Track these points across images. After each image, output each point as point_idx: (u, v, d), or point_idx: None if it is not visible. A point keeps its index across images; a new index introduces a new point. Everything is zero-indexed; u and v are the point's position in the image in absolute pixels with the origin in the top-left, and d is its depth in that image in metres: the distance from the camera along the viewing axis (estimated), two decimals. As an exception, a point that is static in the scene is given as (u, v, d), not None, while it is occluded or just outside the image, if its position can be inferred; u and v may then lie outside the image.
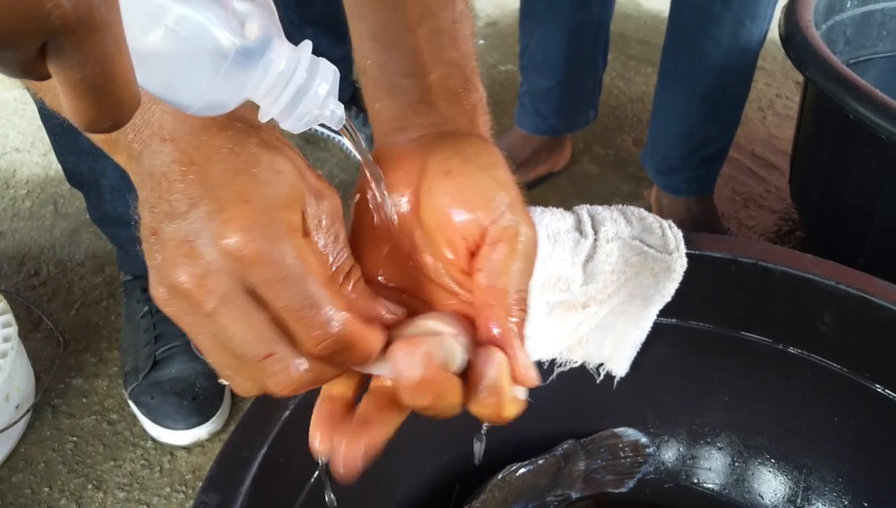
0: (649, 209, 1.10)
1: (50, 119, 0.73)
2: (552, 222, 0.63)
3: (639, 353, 0.65)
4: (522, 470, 0.66)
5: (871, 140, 0.78)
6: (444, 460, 0.67)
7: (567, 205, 1.22)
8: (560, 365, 0.66)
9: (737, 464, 0.69)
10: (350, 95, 1.18)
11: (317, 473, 0.53)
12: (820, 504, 0.66)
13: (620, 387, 0.66)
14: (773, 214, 1.15)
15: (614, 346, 0.65)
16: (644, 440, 0.71)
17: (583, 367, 0.66)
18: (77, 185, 0.81)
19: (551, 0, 1.00)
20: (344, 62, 1.12)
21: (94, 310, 0.96)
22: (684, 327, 0.66)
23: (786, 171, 1.08)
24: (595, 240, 0.63)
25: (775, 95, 1.44)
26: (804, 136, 0.98)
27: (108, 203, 0.80)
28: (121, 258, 0.89)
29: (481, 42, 1.60)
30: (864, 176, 0.83)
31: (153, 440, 0.81)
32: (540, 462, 0.67)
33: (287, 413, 0.49)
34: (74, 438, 0.81)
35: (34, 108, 1.35)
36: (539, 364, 0.65)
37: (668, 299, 0.63)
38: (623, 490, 0.71)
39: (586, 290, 0.62)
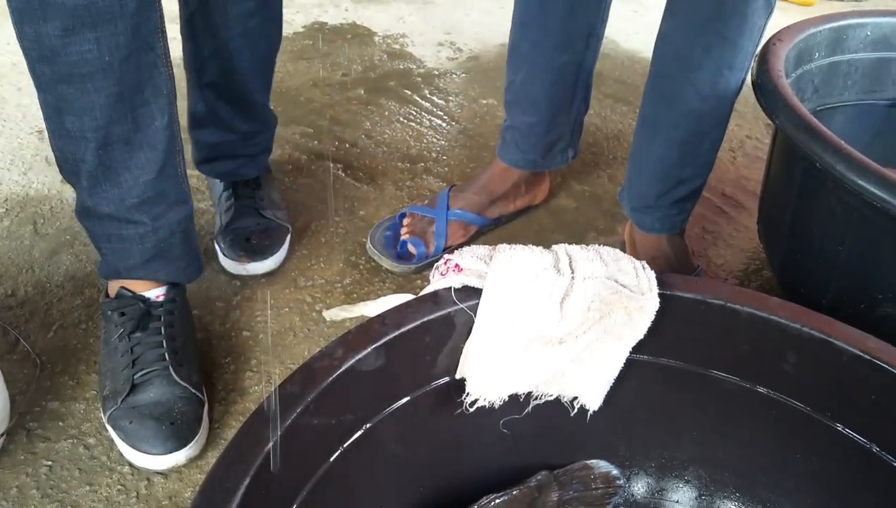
0: (623, 245, 1.14)
1: (45, 89, 0.74)
2: (531, 260, 0.65)
3: (611, 388, 0.67)
4: (497, 501, 0.68)
5: (836, 187, 0.82)
6: (422, 491, 0.68)
7: (544, 237, 1.26)
8: (536, 398, 0.68)
9: (703, 497, 0.72)
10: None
11: (300, 500, 0.55)
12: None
13: (593, 420, 0.68)
14: (742, 253, 1.19)
15: (588, 381, 0.67)
16: (615, 472, 0.73)
17: (557, 401, 0.68)
18: (66, 175, 0.82)
19: (537, 39, 1.03)
20: (254, 139, 1.09)
21: (73, 333, 0.96)
22: (656, 363, 0.68)
23: (754, 212, 1.12)
24: (572, 278, 0.65)
25: (746, 136, 1.49)
26: (772, 179, 1.01)
27: (85, 190, 0.81)
28: (100, 264, 0.89)
29: (463, 75, 1.64)
30: (828, 221, 0.87)
31: (130, 465, 0.81)
32: (514, 492, 0.69)
33: (270, 444, 0.50)
34: (49, 462, 0.81)
35: (13, 126, 1.35)
36: (516, 397, 0.67)
37: (641, 337, 0.65)
38: (595, 521, 0.73)
39: (563, 326, 0.65)
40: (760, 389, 0.66)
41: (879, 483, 0.61)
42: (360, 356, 0.58)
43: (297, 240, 1.12)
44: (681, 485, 0.73)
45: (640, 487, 0.74)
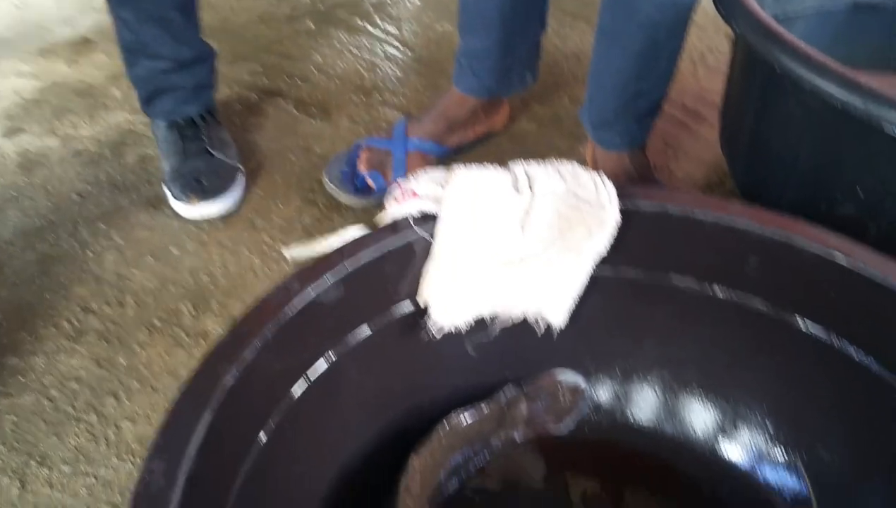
0: (585, 165, 1.13)
1: None
2: (489, 180, 0.64)
3: (576, 303, 0.67)
4: (466, 416, 0.68)
5: (795, 90, 0.81)
6: (390, 417, 0.69)
7: (506, 163, 1.24)
8: (502, 320, 0.68)
9: (668, 400, 0.74)
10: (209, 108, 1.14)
11: (263, 435, 0.54)
12: (745, 430, 0.71)
13: (559, 336, 0.69)
14: (704, 165, 1.19)
15: (553, 299, 0.68)
16: (581, 382, 0.74)
17: (524, 320, 0.68)
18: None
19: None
20: (188, 69, 1.07)
21: (27, 289, 0.94)
22: (618, 277, 0.69)
23: (715, 123, 1.12)
24: (531, 196, 0.65)
25: (707, 49, 1.48)
26: (733, 88, 1.01)
27: None
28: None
29: (416, 1, 1.59)
30: (788, 125, 0.87)
31: (96, 412, 0.81)
32: (483, 408, 0.70)
33: (230, 378, 0.50)
34: (14, 417, 0.80)
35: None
36: (481, 319, 0.67)
37: (603, 251, 0.65)
38: (563, 430, 0.74)
39: (523, 245, 0.64)
40: (722, 292, 0.67)
41: (838, 373, 0.62)
42: (318, 288, 0.57)
43: (252, 181, 1.10)
44: (645, 388, 0.74)
45: (604, 393, 0.75)
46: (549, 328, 0.69)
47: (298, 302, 0.55)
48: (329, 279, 0.57)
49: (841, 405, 0.64)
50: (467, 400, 0.70)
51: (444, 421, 0.67)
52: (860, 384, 0.61)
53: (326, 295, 0.57)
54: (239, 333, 0.52)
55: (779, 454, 0.69)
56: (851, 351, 0.62)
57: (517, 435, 0.74)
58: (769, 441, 0.70)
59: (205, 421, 0.47)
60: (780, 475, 0.69)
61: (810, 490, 0.66)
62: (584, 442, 0.75)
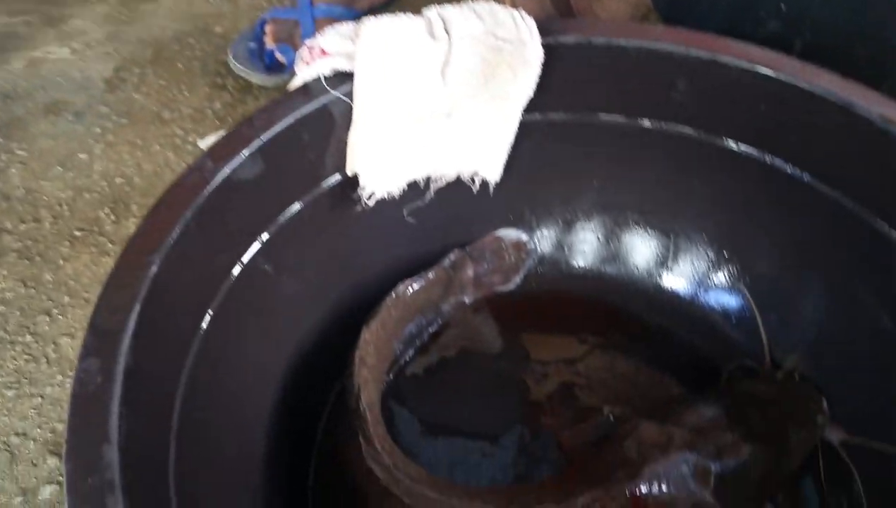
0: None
1: None
2: (402, 28, 0.61)
3: (509, 155, 0.66)
4: (413, 286, 0.68)
5: None
6: (333, 296, 0.68)
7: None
8: (436, 181, 0.66)
9: (610, 242, 0.75)
10: None
11: (205, 323, 0.53)
12: (687, 260, 0.73)
13: (497, 192, 0.68)
14: (627, 4, 1.16)
15: (485, 153, 0.66)
16: (524, 237, 0.75)
17: (458, 180, 0.67)
18: None
19: None
20: None
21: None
22: (547, 120, 0.67)
23: (635, -43, 1.08)
24: (449, 41, 0.62)
25: None
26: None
27: None
28: None
29: None
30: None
31: (32, 333, 0.78)
32: (429, 275, 0.69)
33: (154, 267, 0.47)
34: (-57, 351, 0.77)
35: None
36: (415, 184, 0.65)
37: (531, 93, 0.64)
38: (511, 287, 0.75)
39: (448, 97, 0.62)
40: (651, 123, 0.66)
41: (773, 190, 0.63)
42: (233, 165, 0.54)
43: (152, 71, 1.03)
44: (587, 234, 0.75)
45: (548, 245, 0.76)
46: (485, 185, 0.68)
47: (215, 182, 0.52)
48: (244, 153, 0.54)
49: (779, 221, 0.65)
50: (413, 269, 0.70)
51: (392, 292, 0.67)
52: (795, 198, 0.63)
53: (244, 172, 0.54)
54: (156, 220, 0.50)
55: (721, 278, 0.71)
56: (784, 166, 0.63)
57: (467, 298, 0.74)
58: (711, 267, 0.72)
59: (135, 312, 0.45)
60: (723, 298, 0.71)
61: (753, 307, 0.68)
62: (533, 296, 0.76)
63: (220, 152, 0.54)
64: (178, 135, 0.96)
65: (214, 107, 0.99)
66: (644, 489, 0.55)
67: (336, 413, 0.66)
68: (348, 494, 0.61)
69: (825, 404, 0.62)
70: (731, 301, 0.71)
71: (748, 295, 0.68)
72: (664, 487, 0.55)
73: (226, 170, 0.53)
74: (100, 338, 0.44)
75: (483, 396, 0.70)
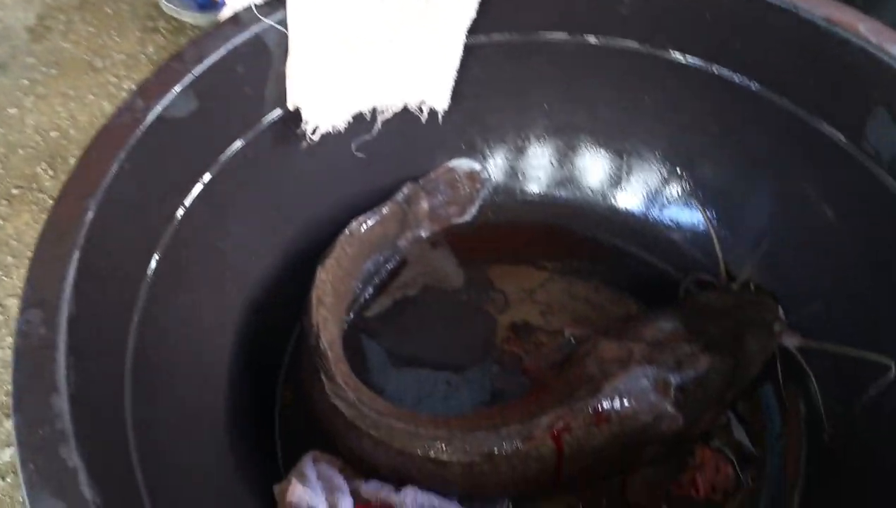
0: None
1: None
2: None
3: (456, 81, 0.65)
4: (369, 222, 0.67)
5: None
6: (287, 235, 0.67)
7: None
8: (382, 112, 0.65)
9: (563, 166, 0.75)
10: None
11: (151, 269, 0.52)
12: (640, 178, 0.73)
13: (446, 121, 0.67)
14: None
15: (431, 80, 0.65)
16: (477, 167, 0.74)
17: (406, 110, 0.66)
18: None
19: None
20: None
21: None
22: (492, 42, 0.66)
23: None
24: (385, -37, 0.60)
25: None
26: None
27: None
28: None
29: None
30: None
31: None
32: (383, 210, 0.69)
33: (90, 213, 0.46)
34: None
35: None
36: (361, 117, 0.64)
37: (473, 14, 0.62)
38: (467, 218, 0.75)
39: (387, 21, 0.60)
40: (597, 39, 0.66)
41: (721, 100, 0.64)
42: (165, 102, 0.52)
43: (79, 18, 0.98)
44: (541, 160, 0.75)
45: (501, 173, 0.76)
46: (433, 114, 0.67)
47: (147, 122, 0.51)
48: (176, 90, 0.52)
49: (728, 130, 0.66)
50: (366, 206, 0.69)
51: (346, 229, 0.66)
52: (743, 106, 0.63)
53: (178, 110, 0.53)
54: (89, 165, 0.48)
55: (674, 193, 0.72)
56: (732, 75, 0.63)
57: (423, 232, 0.74)
58: (663, 184, 0.72)
59: (74, 260, 0.44)
60: (677, 214, 0.72)
61: (706, 220, 0.69)
62: (490, 226, 0.76)
63: (151, 90, 0.52)
64: (112, 83, 0.92)
65: (147, 52, 0.96)
66: (606, 404, 0.56)
67: (297, 354, 0.66)
68: (315, 432, 0.62)
69: (781, 311, 0.63)
70: (684, 216, 0.72)
71: (701, 209, 0.69)
72: (625, 401, 0.56)
73: (157, 109, 0.52)
74: (39, 289, 0.43)
75: (446, 329, 0.70)
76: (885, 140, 0.56)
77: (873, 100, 0.55)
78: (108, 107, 0.90)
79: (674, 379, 0.57)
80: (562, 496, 0.60)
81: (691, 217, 0.71)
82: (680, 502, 0.60)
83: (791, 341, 0.62)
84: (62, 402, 0.39)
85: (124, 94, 0.91)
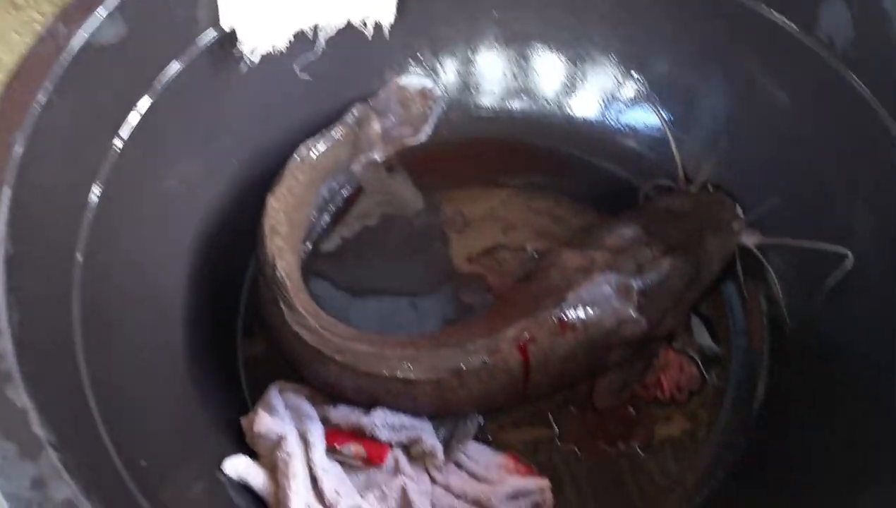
0: None
1: None
2: None
3: (400, -8, 0.63)
4: (319, 146, 0.66)
5: None
6: (235, 163, 0.66)
7: None
8: (324, 30, 0.63)
9: (517, 77, 0.74)
10: None
11: (92, 201, 0.50)
12: (596, 85, 0.72)
13: (393, 36, 0.65)
14: None
15: (375, -6, 0.63)
16: (429, 84, 0.72)
17: (350, 27, 0.64)
18: None
19: None
20: None
21: None
22: (437, -53, 0.64)
23: None
24: None
25: None
26: None
27: None
28: None
29: None
30: None
31: None
32: (333, 133, 0.67)
33: (19, 147, 0.44)
34: None
35: None
36: (303, 35, 0.62)
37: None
38: (422, 138, 0.73)
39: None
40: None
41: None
42: (90, 27, 0.49)
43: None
44: (493, 72, 0.74)
45: (454, 88, 0.74)
46: (379, 29, 0.65)
47: (72, 49, 0.48)
48: (101, 13, 0.49)
49: (681, 27, 0.65)
50: (316, 130, 0.67)
51: (295, 154, 0.64)
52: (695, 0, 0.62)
53: (105, 34, 0.50)
54: (13, 97, 0.46)
55: (630, 98, 0.71)
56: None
57: (377, 156, 0.72)
58: (619, 88, 0.71)
59: (5, 197, 0.42)
60: (633, 119, 0.72)
61: (663, 123, 0.68)
62: (446, 145, 0.74)
63: (74, 14, 0.49)
64: (38, 21, 0.87)
65: (73, -17, 0.91)
66: (570, 313, 0.56)
67: (255, 286, 0.65)
68: (280, 363, 0.62)
69: (739, 210, 0.64)
70: (641, 121, 0.71)
71: (657, 111, 0.68)
72: (589, 308, 0.57)
73: (83, 35, 0.49)
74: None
75: (407, 255, 0.70)
76: (838, 28, 0.56)
77: (826, -12, 0.55)
78: (36, 44, 0.86)
79: (636, 284, 0.58)
80: (531, 406, 0.61)
81: (648, 121, 0.70)
82: (646, 404, 0.61)
83: (750, 239, 0.63)
84: (5, 343, 0.38)
85: (52, 30, 0.87)
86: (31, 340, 0.40)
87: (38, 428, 0.36)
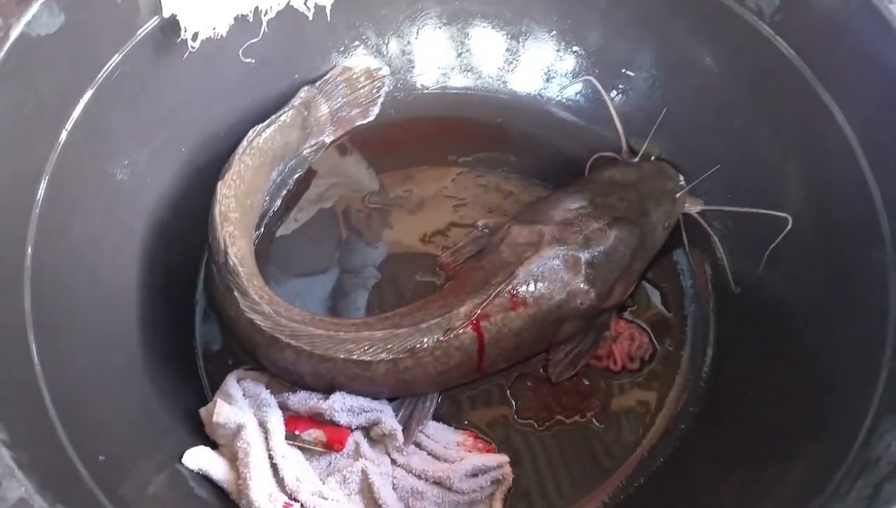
0: None
1: None
2: None
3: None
4: (268, 131, 0.67)
5: None
6: (185, 151, 0.66)
7: None
8: (265, 12, 0.63)
9: (461, 55, 0.75)
10: None
11: (42, 192, 0.50)
12: (538, 60, 0.74)
13: (335, 17, 0.67)
14: None
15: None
16: (375, 63, 0.74)
17: (291, 8, 0.64)
18: None
19: None
20: None
21: None
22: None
23: None
24: None
25: None
26: None
27: None
28: None
29: None
30: None
31: None
32: (282, 117, 0.68)
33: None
34: None
35: None
36: (244, 19, 0.63)
37: None
38: (371, 118, 0.75)
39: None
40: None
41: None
42: (26, 19, 0.50)
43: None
44: (437, 50, 0.75)
45: (400, 68, 0.75)
46: (321, 9, 0.66)
47: (8, 40, 0.48)
48: (37, 3, 0.49)
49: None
50: (264, 115, 0.68)
51: (243, 140, 0.65)
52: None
53: (42, 25, 0.50)
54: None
55: (571, 72, 0.74)
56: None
57: (327, 138, 0.73)
58: (560, 63, 0.74)
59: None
60: (575, 93, 0.74)
61: (605, 94, 0.70)
62: (394, 124, 0.76)
63: (9, 6, 0.49)
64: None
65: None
66: (521, 288, 0.58)
67: (208, 274, 0.66)
68: (237, 351, 0.63)
69: (681, 179, 0.67)
70: (583, 95, 0.74)
71: (598, 85, 0.70)
72: (539, 283, 0.59)
73: (19, 26, 0.49)
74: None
75: (361, 236, 0.71)
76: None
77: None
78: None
79: (583, 256, 0.60)
80: (487, 383, 0.64)
81: (590, 94, 0.73)
82: (600, 374, 0.64)
83: (692, 207, 0.66)
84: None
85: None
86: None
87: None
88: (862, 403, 0.46)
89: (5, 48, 0.48)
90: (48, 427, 0.42)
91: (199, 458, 0.54)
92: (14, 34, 0.49)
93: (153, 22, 0.59)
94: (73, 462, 0.42)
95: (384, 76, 0.74)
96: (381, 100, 0.75)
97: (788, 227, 0.59)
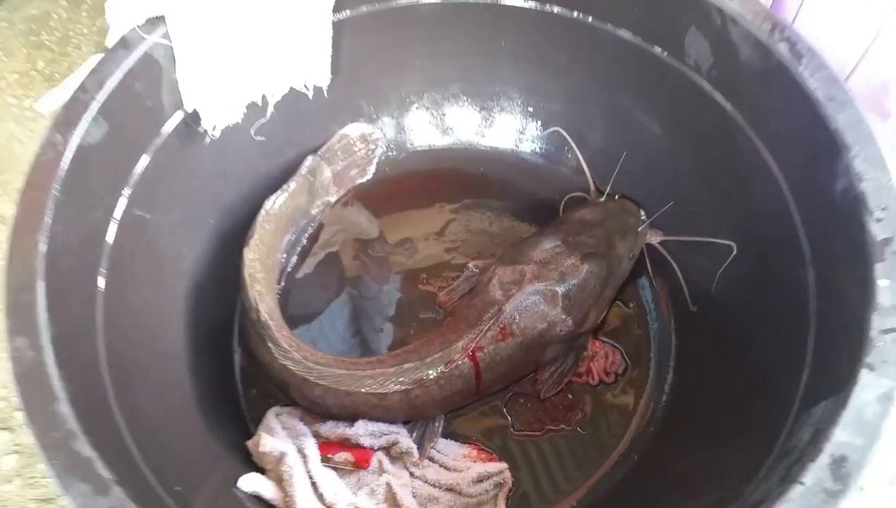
0: None
1: None
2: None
3: (333, 56, 0.74)
4: (281, 198, 0.77)
5: None
6: (211, 223, 0.76)
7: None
8: (272, 97, 0.73)
9: (445, 115, 0.86)
10: None
11: (100, 284, 0.61)
12: (510, 117, 0.86)
13: (331, 93, 0.76)
14: None
15: (309, 59, 0.73)
16: (368, 129, 0.84)
17: (293, 91, 0.74)
18: None
19: None
20: None
21: None
22: (358, 14, 0.75)
23: None
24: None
25: None
26: None
27: None
28: None
29: None
30: None
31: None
32: (292, 186, 0.78)
33: (42, 245, 0.55)
34: None
35: None
36: (253, 105, 0.72)
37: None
38: (369, 176, 0.86)
39: (261, 17, 0.67)
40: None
41: (562, 36, 0.75)
42: (80, 133, 0.60)
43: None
44: (422, 113, 0.86)
45: (391, 130, 0.86)
46: (319, 90, 0.75)
47: (69, 153, 0.58)
48: (86, 119, 0.60)
49: (572, 61, 0.78)
50: (275, 181, 0.78)
51: (262, 209, 0.75)
52: (582, 38, 0.75)
53: (92, 136, 0.60)
54: (29, 202, 0.56)
55: (540, 125, 0.85)
56: (569, 13, 0.74)
57: (331, 198, 0.84)
58: (530, 118, 0.85)
59: (41, 289, 0.53)
60: (545, 143, 0.85)
61: (572, 143, 0.80)
62: (390, 180, 0.87)
63: (64, 124, 0.60)
64: (14, 104, 0.96)
65: (38, 67, 1.00)
66: (509, 321, 0.69)
67: (243, 327, 0.76)
68: (271, 388, 0.73)
69: (643, 214, 0.77)
70: (553, 144, 0.84)
71: (565, 134, 0.81)
72: (524, 316, 0.69)
73: (75, 139, 0.59)
74: (18, 319, 0.52)
75: (368, 281, 0.81)
76: (700, 53, 0.68)
77: (687, 22, 0.67)
78: (16, 128, 0.96)
79: (560, 289, 0.70)
80: (485, 403, 0.74)
81: (559, 143, 0.83)
82: (581, 389, 0.74)
83: (653, 238, 0.76)
84: (64, 408, 0.49)
85: (28, 113, 0.96)
86: (79, 402, 0.51)
87: (102, 471, 0.47)
88: (789, 399, 0.56)
89: (67, 160, 0.58)
90: (136, 468, 0.53)
91: (251, 482, 0.64)
92: (72, 147, 0.59)
93: (178, 115, 0.68)
94: (160, 495, 0.53)
95: (377, 139, 0.85)
96: (376, 159, 0.85)
97: (734, 253, 0.68)
